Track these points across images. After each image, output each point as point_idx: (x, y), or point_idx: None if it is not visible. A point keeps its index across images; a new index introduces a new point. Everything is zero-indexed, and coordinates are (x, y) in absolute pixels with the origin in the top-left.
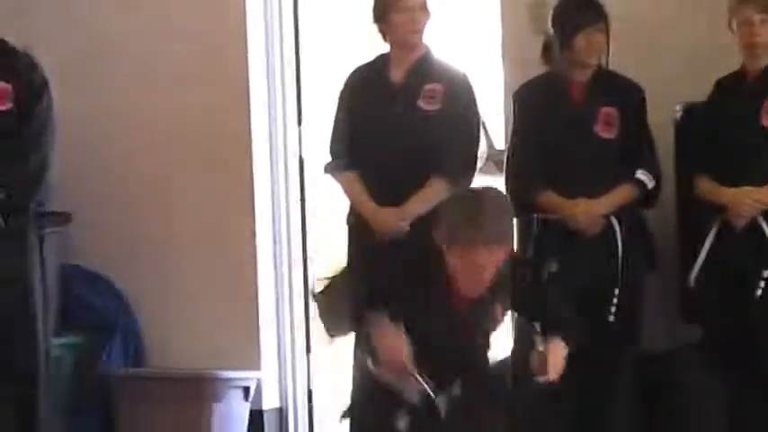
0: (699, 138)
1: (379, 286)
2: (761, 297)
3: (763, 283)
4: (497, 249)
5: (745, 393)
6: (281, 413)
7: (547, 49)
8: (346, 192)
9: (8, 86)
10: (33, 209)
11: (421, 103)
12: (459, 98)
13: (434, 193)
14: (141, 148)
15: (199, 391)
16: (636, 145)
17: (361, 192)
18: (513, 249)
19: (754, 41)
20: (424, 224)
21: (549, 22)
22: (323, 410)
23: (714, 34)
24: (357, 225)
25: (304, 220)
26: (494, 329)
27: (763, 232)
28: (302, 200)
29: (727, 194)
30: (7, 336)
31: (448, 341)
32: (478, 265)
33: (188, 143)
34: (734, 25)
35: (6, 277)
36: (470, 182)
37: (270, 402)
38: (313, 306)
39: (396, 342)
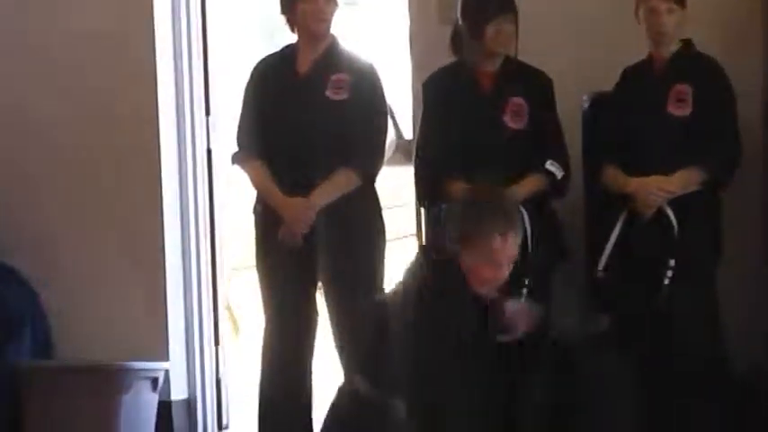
0: (606, 127)
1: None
2: (668, 286)
3: (669, 272)
4: (514, 239)
5: (652, 381)
6: (190, 404)
7: (455, 39)
8: (253, 182)
9: None
10: None
11: (328, 93)
12: (367, 88)
13: (342, 182)
14: (47, 137)
15: (107, 383)
16: (545, 135)
17: (268, 181)
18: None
19: (660, 30)
20: None
21: (458, 12)
22: (232, 401)
23: (621, 23)
24: (264, 215)
25: (212, 211)
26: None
27: (669, 221)
28: (210, 191)
29: (634, 184)
30: None
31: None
32: (500, 255)
33: (94, 133)
34: (641, 14)
35: None
36: (378, 171)
37: (178, 393)
38: (221, 296)
39: None
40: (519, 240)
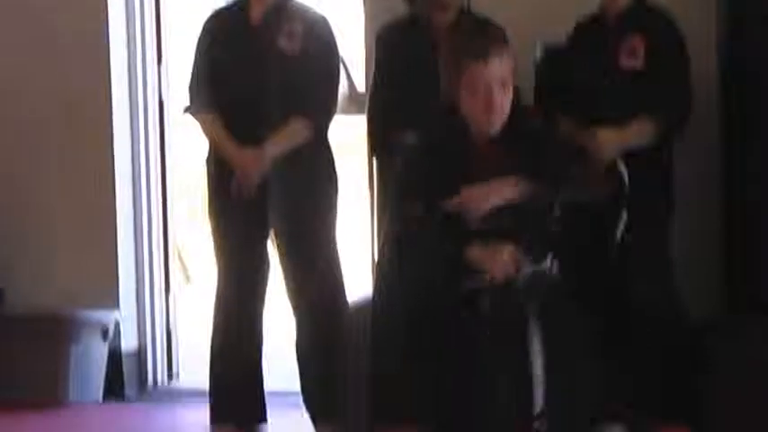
0: (558, 79)
1: None
2: (621, 239)
3: (622, 225)
4: (498, 64)
5: (610, 336)
6: (140, 353)
7: None
8: (206, 133)
9: None
10: None
11: (280, 44)
12: (319, 39)
13: (295, 133)
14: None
15: (57, 331)
16: None
17: (220, 133)
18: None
19: None
20: None
21: None
22: (183, 349)
23: None
24: (216, 166)
25: (164, 161)
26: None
27: (621, 175)
28: (162, 141)
29: (586, 136)
30: None
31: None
32: (493, 80)
33: (43, 81)
34: None
35: None
36: (330, 121)
37: (129, 343)
38: (172, 246)
39: None
40: (509, 62)
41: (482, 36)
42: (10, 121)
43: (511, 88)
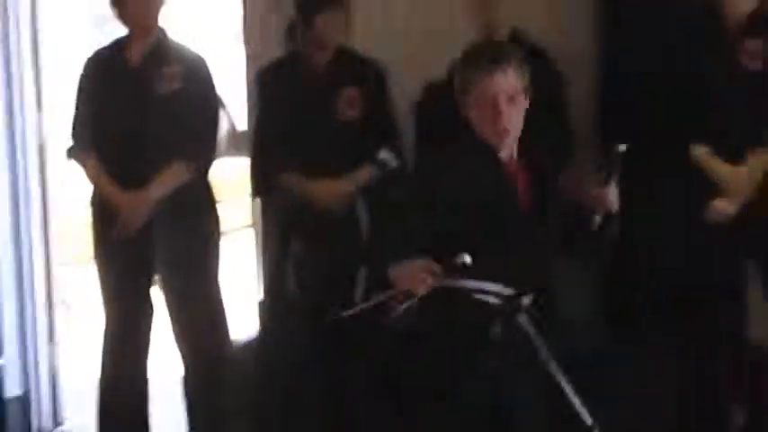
0: (439, 117)
1: None
2: None
3: None
4: (503, 75)
5: None
6: (25, 400)
7: (289, 30)
8: (89, 176)
9: None
10: None
11: (158, 86)
12: (197, 80)
13: (176, 175)
14: None
15: None
16: (379, 125)
17: (102, 176)
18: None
19: (490, 20)
20: None
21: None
22: (70, 397)
23: (451, 18)
24: (101, 208)
25: (46, 206)
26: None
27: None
28: (43, 185)
29: None
30: None
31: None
32: (496, 93)
33: None
34: (472, 3)
35: None
36: (211, 163)
37: (13, 390)
38: (56, 291)
39: None
40: (519, 78)
41: (488, 51)
42: None
43: (522, 105)
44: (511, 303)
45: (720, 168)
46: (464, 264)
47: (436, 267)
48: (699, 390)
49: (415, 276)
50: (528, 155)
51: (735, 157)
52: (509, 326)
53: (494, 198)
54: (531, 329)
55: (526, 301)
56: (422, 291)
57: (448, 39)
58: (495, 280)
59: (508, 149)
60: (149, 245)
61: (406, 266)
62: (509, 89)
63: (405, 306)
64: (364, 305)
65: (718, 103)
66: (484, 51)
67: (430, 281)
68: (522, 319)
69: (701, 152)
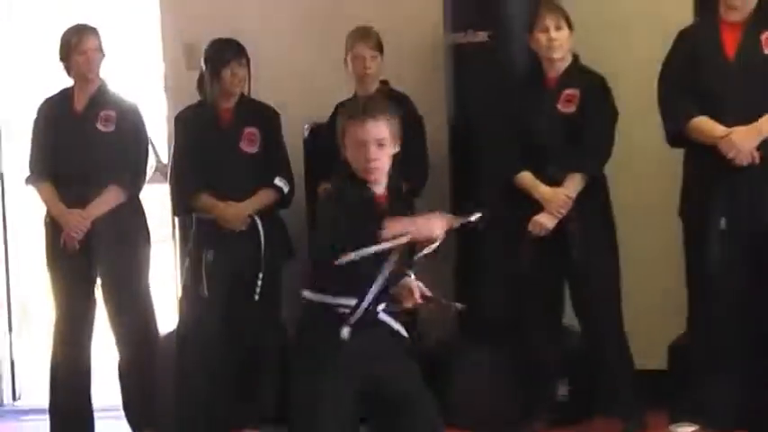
0: (322, 152)
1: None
2: None
3: None
4: (384, 128)
5: None
6: None
7: (200, 82)
8: (42, 198)
9: None
10: None
11: (99, 127)
12: (131, 121)
13: (111, 198)
14: None
15: None
16: (274, 157)
17: (52, 198)
18: (398, 144)
19: (365, 73)
20: None
21: (202, 60)
22: (25, 377)
23: (333, 66)
24: (51, 225)
25: (5, 226)
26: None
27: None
28: (3, 209)
29: None
30: None
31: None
32: (366, 140)
33: None
34: (349, 59)
35: None
36: (141, 188)
37: None
38: (17, 311)
39: None
40: (389, 125)
41: (362, 106)
42: None
43: (390, 148)
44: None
45: (542, 189)
46: (475, 220)
47: (451, 216)
48: (530, 370)
49: (434, 222)
50: (393, 187)
51: (554, 180)
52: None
53: (367, 223)
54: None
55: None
56: (441, 234)
57: (330, 88)
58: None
59: (380, 186)
60: (92, 254)
61: (424, 217)
62: (378, 136)
63: (427, 251)
64: (373, 249)
65: (541, 138)
66: (359, 105)
67: (447, 223)
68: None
69: (526, 177)
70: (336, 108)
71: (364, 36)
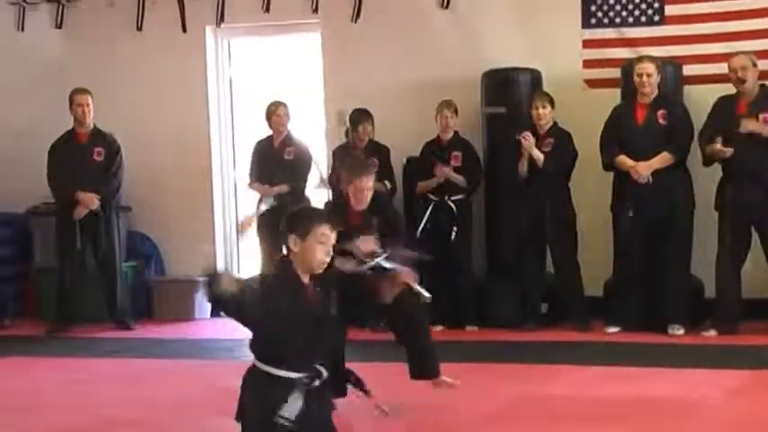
0: (416, 175)
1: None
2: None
3: (453, 234)
4: (367, 179)
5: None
6: None
7: (347, 133)
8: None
9: None
10: None
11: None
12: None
13: (95, 198)
14: None
15: None
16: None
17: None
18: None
19: (447, 125)
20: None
21: (347, 120)
22: None
23: (426, 120)
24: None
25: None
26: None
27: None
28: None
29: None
30: None
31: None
32: (364, 188)
33: None
34: (439, 118)
35: None
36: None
37: None
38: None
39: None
40: (370, 181)
41: (360, 165)
42: None
43: (371, 191)
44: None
45: None
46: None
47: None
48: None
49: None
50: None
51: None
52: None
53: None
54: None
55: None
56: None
57: (421, 134)
58: None
59: (362, 208)
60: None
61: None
62: (369, 183)
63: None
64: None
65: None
66: (358, 163)
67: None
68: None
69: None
70: (425, 145)
71: (449, 104)
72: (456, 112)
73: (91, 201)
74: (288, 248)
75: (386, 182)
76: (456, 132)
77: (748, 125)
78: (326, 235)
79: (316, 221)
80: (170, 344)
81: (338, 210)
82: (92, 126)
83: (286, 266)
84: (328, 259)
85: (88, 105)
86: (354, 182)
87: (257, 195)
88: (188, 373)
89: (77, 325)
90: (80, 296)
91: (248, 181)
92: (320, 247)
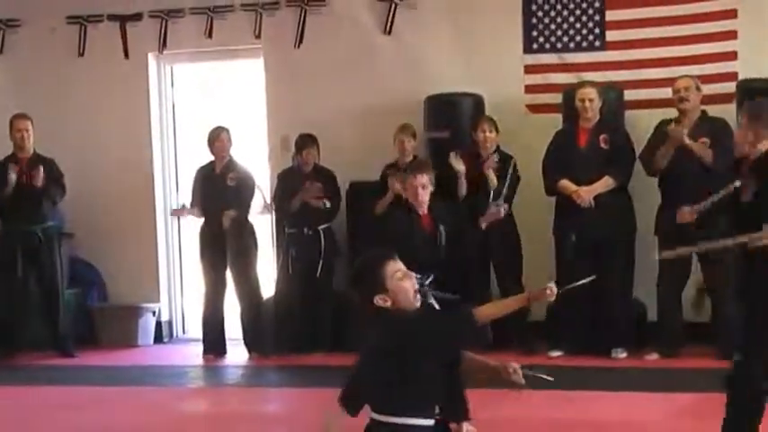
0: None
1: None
2: None
3: None
4: (420, 178)
5: None
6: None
7: (293, 158)
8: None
9: None
10: None
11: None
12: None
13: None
14: None
15: None
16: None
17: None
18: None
19: (404, 149)
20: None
21: (292, 145)
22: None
23: (370, 145)
24: (202, 233)
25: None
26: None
27: None
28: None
29: None
30: None
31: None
32: (420, 185)
33: None
34: (397, 142)
35: None
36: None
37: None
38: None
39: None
40: (429, 181)
41: (415, 165)
42: None
43: (429, 189)
44: None
45: None
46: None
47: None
48: None
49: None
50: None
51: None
52: None
53: (414, 233)
54: None
55: None
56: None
57: (371, 157)
58: None
59: (424, 209)
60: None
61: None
62: (423, 182)
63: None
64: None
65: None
66: (413, 164)
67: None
68: None
69: None
70: (384, 170)
71: (407, 128)
72: (414, 136)
73: None
74: (381, 308)
75: (324, 200)
76: (415, 156)
77: (684, 139)
78: (397, 269)
79: (378, 267)
80: (113, 371)
81: (406, 219)
82: (32, 151)
83: (391, 314)
84: (414, 283)
85: (27, 131)
86: (409, 179)
87: (199, 221)
88: (133, 400)
89: (19, 352)
90: (21, 324)
91: (188, 207)
92: (403, 283)
